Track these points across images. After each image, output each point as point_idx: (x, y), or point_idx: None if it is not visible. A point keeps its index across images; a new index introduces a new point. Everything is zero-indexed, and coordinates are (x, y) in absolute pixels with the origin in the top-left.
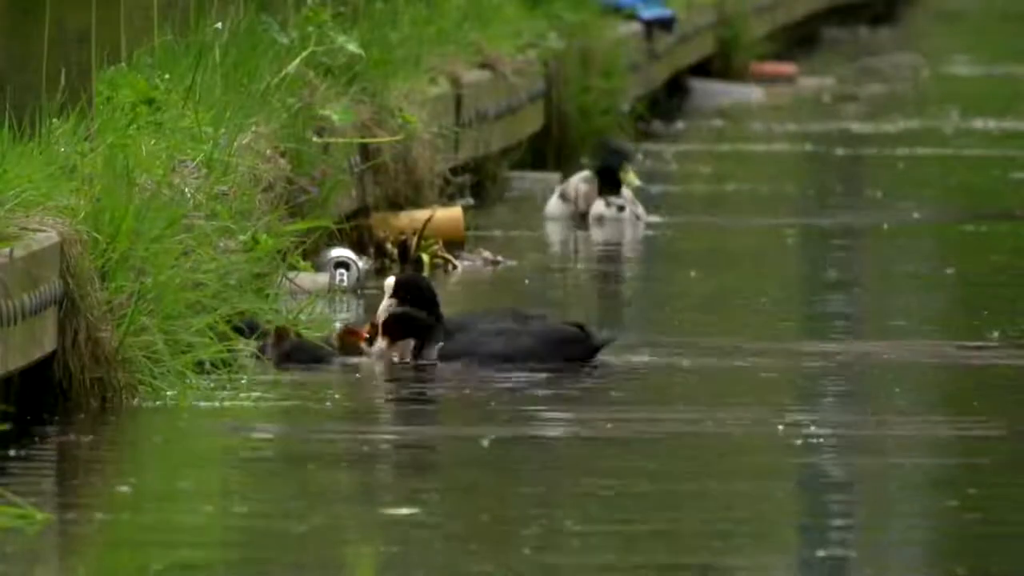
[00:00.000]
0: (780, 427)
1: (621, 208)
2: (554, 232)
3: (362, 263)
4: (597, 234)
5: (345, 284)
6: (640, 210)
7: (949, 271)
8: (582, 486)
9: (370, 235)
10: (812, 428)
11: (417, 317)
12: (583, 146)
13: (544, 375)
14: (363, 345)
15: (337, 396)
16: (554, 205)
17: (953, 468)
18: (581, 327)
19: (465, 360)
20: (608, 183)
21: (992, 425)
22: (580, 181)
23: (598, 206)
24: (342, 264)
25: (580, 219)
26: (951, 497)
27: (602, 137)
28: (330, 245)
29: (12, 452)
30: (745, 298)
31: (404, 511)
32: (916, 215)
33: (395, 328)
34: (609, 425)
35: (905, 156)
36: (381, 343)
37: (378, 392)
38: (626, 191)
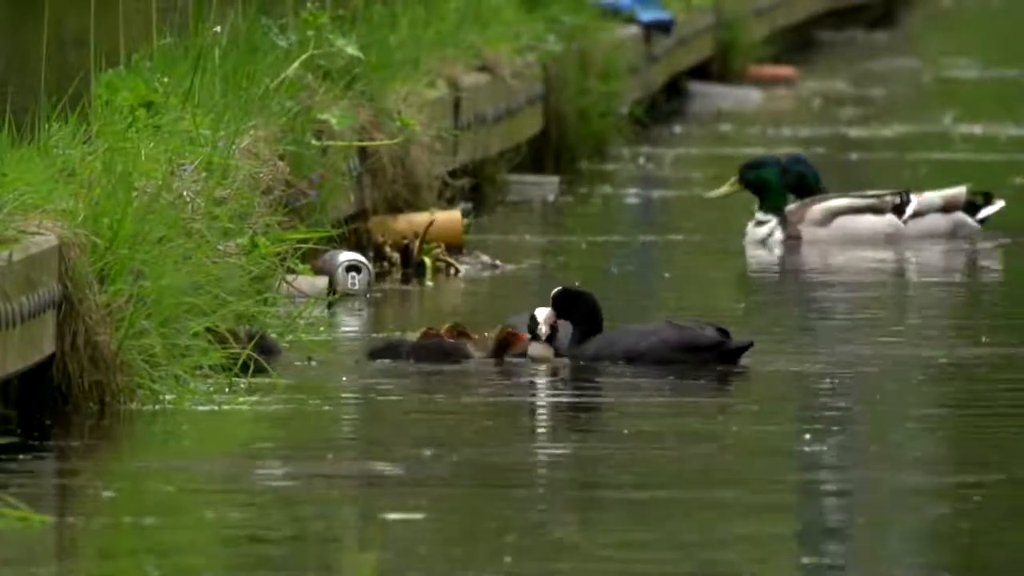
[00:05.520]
0: (774, 430)
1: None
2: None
3: (371, 266)
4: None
5: (357, 287)
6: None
7: (956, 276)
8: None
9: (369, 238)
10: (809, 436)
11: (588, 298)
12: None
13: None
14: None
15: (337, 398)
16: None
17: (950, 476)
18: (723, 331)
19: (595, 359)
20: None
21: (989, 433)
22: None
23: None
24: (353, 267)
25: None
26: (945, 506)
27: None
28: (334, 248)
29: (11, 455)
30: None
31: (402, 516)
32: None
33: (563, 304)
34: (625, 431)
35: (905, 160)
36: (546, 322)
37: (379, 395)
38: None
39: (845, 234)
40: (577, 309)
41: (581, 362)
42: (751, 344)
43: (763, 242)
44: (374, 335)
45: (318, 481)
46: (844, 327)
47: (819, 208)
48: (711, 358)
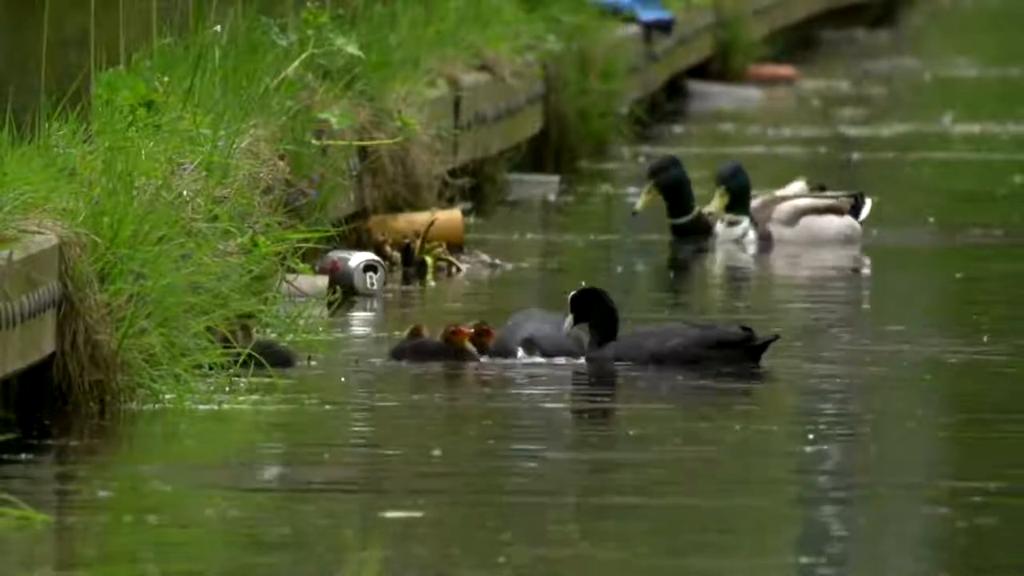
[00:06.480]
0: (775, 429)
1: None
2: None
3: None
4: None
5: (374, 287)
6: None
7: (958, 275)
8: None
9: (369, 238)
10: (811, 436)
11: (606, 299)
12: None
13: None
14: (468, 344)
15: (337, 398)
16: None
17: (946, 477)
18: (747, 329)
19: (615, 360)
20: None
21: (990, 434)
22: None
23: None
24: (371, 267)
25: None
26: (945, 507)
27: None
28: (335, 248)
29: (11, 454)
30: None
31: (401, 514)
32: (931, 219)
33: (581, 306)
34: (631, 432)
35: (906, 160)
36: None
37: (379, 395)
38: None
39: (811, 234)
40: (595, 311)
41: (603, 365)
42: (776, 338)
43: (737, 241)
44: (392, 334)
45: (318, 481)
46: (842, 326)
47: (785, 207)
48: (738, 355)
